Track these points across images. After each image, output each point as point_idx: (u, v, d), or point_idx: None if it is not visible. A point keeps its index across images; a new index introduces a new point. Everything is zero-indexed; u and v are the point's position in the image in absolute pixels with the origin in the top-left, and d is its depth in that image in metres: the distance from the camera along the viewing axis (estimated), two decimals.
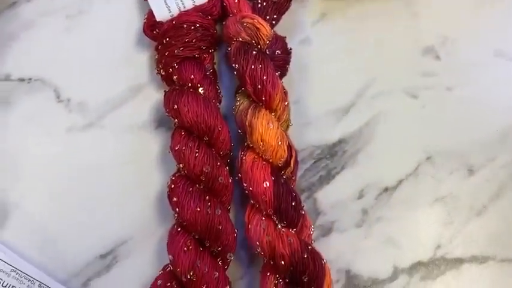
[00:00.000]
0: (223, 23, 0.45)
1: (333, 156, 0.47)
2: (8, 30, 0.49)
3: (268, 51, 0.42)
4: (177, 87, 0.42)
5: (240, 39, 0.42)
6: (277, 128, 0.39)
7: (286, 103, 0.41)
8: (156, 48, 0.44)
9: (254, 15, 0.43)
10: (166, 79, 0.44)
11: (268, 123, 0.39)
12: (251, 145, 0.40)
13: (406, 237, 0.44)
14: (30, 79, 0.48)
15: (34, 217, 0.44)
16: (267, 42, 0.42)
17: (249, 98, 0.41)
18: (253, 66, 0.40)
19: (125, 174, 0.45)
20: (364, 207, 0.45)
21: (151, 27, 0.45)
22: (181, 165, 0.39)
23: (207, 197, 0.38)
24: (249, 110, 0.40)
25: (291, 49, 0.45)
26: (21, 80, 0.48)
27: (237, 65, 0.41)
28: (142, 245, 0.43)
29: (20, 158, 0.45)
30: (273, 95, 0.40)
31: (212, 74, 0.44)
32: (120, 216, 0.44)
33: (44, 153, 0.45)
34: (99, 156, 0.46)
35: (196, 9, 0.44)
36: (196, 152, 0.39)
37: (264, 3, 0.45)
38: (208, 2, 0.45)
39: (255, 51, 0.41)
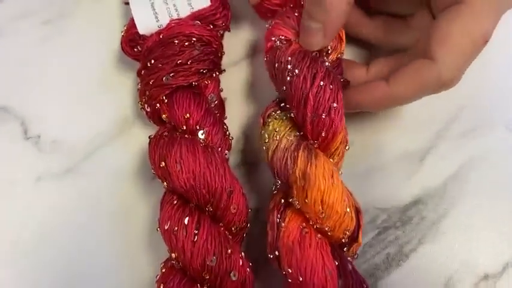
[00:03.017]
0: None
1: (406, 225, 0.40)
2: None
3: None
4: (165, 133, 0.35)
5: None
6: (342, 183, 0.33)
7: (347, 147, 0.34)
8: (139, 74, 0.38)
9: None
10: (154, 117, 0.38)
11: (332, 177, 0.32)
12: (297, 205, 0.33)
13: None
14: None
15: None
16: (335, 58, 0.36)
17: (294, 130, 0.34)
18: (322, 83, 0.33)
19: (108, 243, 0.39)
20: None
21: (132, 42, 0.39)
22: (173, 254, 0.32)
23: None
24: (301, 152, 0.33)
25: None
26: None
27: (296, 71, 0.33)
28: None
29: None
30: (337, 132, 0.33)
31: (218, 106, 0.38)
32: None
33: (4, 209, 0.41)
34: (76, 215, 0.40)
35: (193, 16, 0.38)
36: (194, 234, 0.31)
37: None
38: (211, 5, 0.38)
39: (328, 63, 0.34)
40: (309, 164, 0.32)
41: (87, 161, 0.41)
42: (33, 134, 0.42)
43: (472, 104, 0.42)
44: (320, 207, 0.32)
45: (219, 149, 0.36)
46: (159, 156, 0.34)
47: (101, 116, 0.42)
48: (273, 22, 0.37)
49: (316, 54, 0.35)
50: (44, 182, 0.41)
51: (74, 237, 0.39)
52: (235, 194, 0.34)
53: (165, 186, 0.35)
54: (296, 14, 0.37)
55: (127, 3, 0.39)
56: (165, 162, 0.33)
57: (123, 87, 0.43)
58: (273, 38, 0.37)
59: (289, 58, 0.34)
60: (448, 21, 0.32)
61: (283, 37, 0.37)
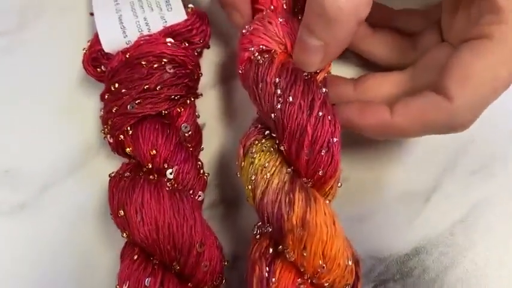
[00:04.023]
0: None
1: (406, 278, 0.37)
2: None
3: None
4: (127, 173, 0.32)
5: None
6: (343, 231, 0.31)
7: (339, 185, 0.32)
8: (102, 98, 0.35)
9: None
10: (118, 150, 0.35)
11: (334, 224, 0.30)
12: (292, 257, 0.30)
13: None
14: None
15: None
16: (322, 79, 0.34)
17: (284, 165, 0.31)
18: (320, 113, 0.30)
19: None
20: None
21: (95, 61, 0.36)
22: None
23: None
24: (297, 195, 0.30)
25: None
26: None
27: (290, 98, 0.31)
28: None
29: None
30: (336, 171, 0.31)
31: (192, 137, 0.35)
32: None
33: None
34: (28, 261, 0.37)
35: (166, 32, 0.35)
36: None
37: None
38: (187, 19, 0.35)
39: (325, 90, 0.32)
40: (308, 209, 0.30)
41: (43, 196, 0.38)
42: None
43: (483, 137, 0.39)
44: (321, 260, 0.29)
45: (191, 191, 0.33)
46: (117, 203, 0.31)
47: (61, 143, 0.39)
48: (251, 27, 0.34)
49: (307, 75, 0.32)
50: None
51: (23, 279, 0.37)
52: (207, 248, 0.31)
53: (126, 237, 0.32)
54: (280, 20, 0.34)
55: (93, 14, 0.36)
56: (124, 211, 0.30)
57: (88, 110, 0.40)
58: (251, 48, 0.34)
59: (277, 80, 0.31)
60: (472, 59, 0.30)
61: (263, 47, 0.34)
